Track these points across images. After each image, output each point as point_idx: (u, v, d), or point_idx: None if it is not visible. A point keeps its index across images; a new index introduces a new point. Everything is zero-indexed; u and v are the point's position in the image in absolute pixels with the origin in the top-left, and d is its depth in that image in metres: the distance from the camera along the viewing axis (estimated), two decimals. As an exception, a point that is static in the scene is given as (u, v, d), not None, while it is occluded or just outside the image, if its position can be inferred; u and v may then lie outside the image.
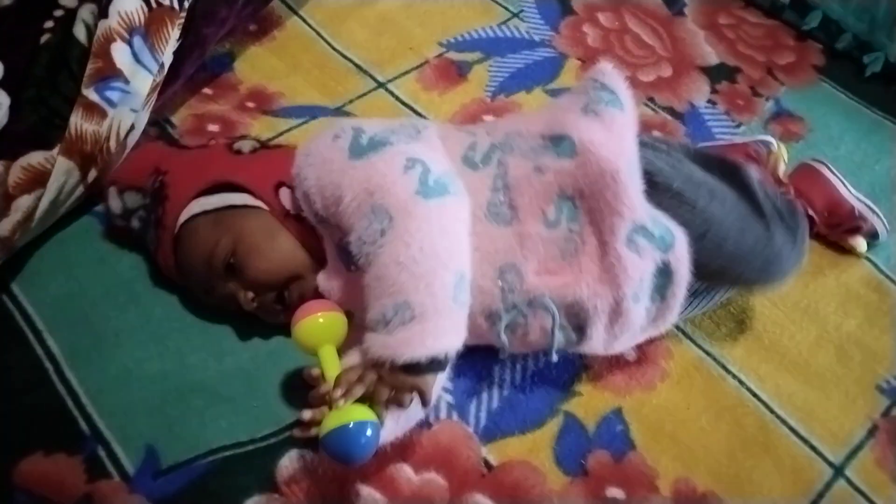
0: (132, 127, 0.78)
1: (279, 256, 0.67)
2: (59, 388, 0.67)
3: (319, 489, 0.63)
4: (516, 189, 0.64)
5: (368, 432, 0.55)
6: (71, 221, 0.78)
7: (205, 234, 0.67)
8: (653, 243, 0.62)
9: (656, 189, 0.64)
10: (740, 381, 0.73)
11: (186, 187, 0.69)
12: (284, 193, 0.68)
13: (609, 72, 0.68)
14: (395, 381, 0.57)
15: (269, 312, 0.69)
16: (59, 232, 0.77)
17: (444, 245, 0.58)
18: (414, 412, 0.62)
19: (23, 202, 0.70)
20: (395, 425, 0.61)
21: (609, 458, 0.66)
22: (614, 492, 0.65)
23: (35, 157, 0.71)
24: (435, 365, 0.57)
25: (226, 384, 0.68)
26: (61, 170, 0.72)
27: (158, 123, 0.88)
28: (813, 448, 0.70)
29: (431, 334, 0.56)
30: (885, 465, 0.70)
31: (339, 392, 0.55)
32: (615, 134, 0.64)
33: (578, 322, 0.63)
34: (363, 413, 0.55)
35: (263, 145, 0.75)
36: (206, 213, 0.68)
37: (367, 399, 0.57)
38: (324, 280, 0.66)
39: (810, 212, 0.81)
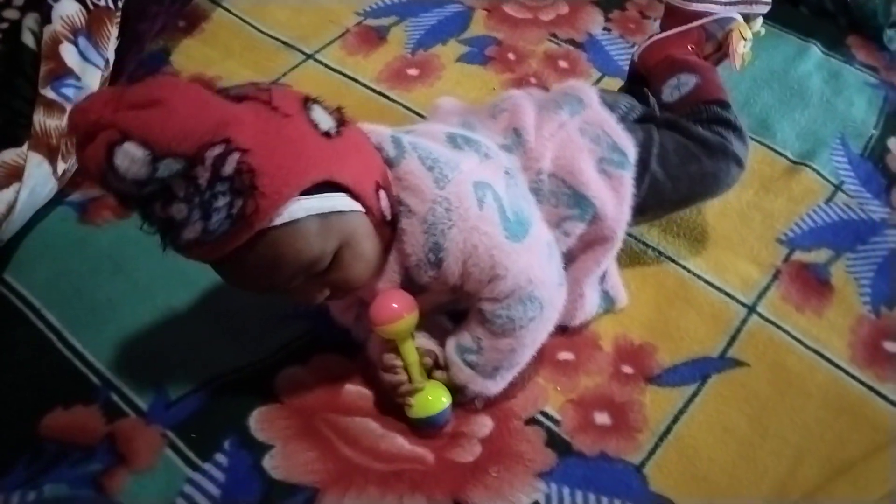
0: (89, 120, 0.86)
1: (372, 264, 0.64)
2: (66, 353, 0.74)
3: (314, 395, 0.72)
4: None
5: (447, 415, 0.69)
6: (48, 213, 0.85)
7: (312, 240, 0.58)
8: None
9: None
10: (659, 252, 0.84)
11: (284, 182, 0.56)
12: (383, 198, 0.62)
13: (619, 133, 0.75)
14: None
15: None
16: (39, 223, 0.84)
17: None
18: None
19: (3, 196, 0.77)
20: None
21: (557, 330, 0.77)
22: (565, 355, 0.76)
23: (8, 155, 0.78)
24: None
25: (216, 325, 0.77)
26: (33, 163, 0.79)
27: (110, 120, 0.96)
28: (727, 294, 0.81)
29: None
30: (790, 299, 0.82)
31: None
32: (621, 198, 0.73)
33: None
34: (442, 399, 0.68)
35: (340, 116, 0.62)
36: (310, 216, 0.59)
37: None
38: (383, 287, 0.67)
39: (676, 56, 0.84)
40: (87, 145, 0.52)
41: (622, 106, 0.82)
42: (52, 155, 0.81)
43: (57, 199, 0.86)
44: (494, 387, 0.69)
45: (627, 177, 0.74)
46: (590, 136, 0.74)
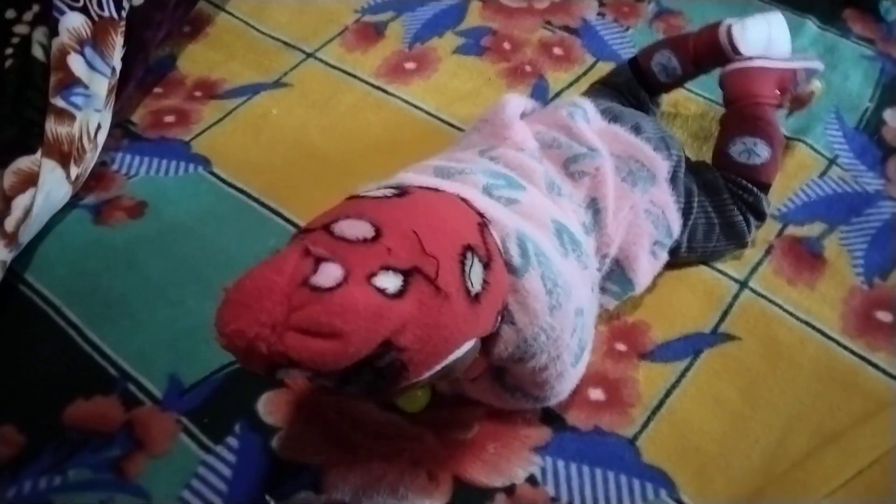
0: (99, 126, 0.90)
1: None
2: (85, 347, 0.78)
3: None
4: None
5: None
6: (64, 216, 0.89)
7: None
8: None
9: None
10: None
11: (428, 365, 0.53)
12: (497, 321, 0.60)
13: (675, 218, 0.76)
14: None
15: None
16: (56, 226, 0.88)
17: None
18: None
19: (20, 201, 0.81)
20: None
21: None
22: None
23: (23, 162, 0.82)
24: None
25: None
26: (47, 168, 0.83)
27: (121, 125, 1.00)
28: (720, 271, 0.83)
29: None
30: (782, 273, 0.83)
31: None
32: (655, 273, 0.77)
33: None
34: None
35: (488, 256, 0.57)
36: None
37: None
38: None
39: (764, 102, 0.83)
40: (248, 359, 0.49)
41: (675, 156, 0.79)
42: (64, 161, 0.85)
43: (72, 203, 0.90)
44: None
45: (666, 255, 0.77)
46: (652, 218, 0.74)
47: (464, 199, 0.61)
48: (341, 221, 0.52)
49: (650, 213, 0.74)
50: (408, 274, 0.50)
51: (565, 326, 0.61)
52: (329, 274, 0.48)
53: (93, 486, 0.69)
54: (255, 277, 0.49)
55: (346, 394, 0.55)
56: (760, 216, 0.82)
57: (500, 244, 0.59)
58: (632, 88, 0.91)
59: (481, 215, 0.60)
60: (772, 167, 0.82)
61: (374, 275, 0.49)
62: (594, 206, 0.72)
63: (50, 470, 0.69)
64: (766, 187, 0.82)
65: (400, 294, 0.49)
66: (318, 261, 0.49)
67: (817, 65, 0.87)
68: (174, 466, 0.70)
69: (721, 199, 0.80)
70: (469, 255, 0.54)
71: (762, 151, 0.80)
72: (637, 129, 0.78)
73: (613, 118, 0.79)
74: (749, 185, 0.80)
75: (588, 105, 0.79)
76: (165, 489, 0.68)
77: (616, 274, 0.74)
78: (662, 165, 0.75)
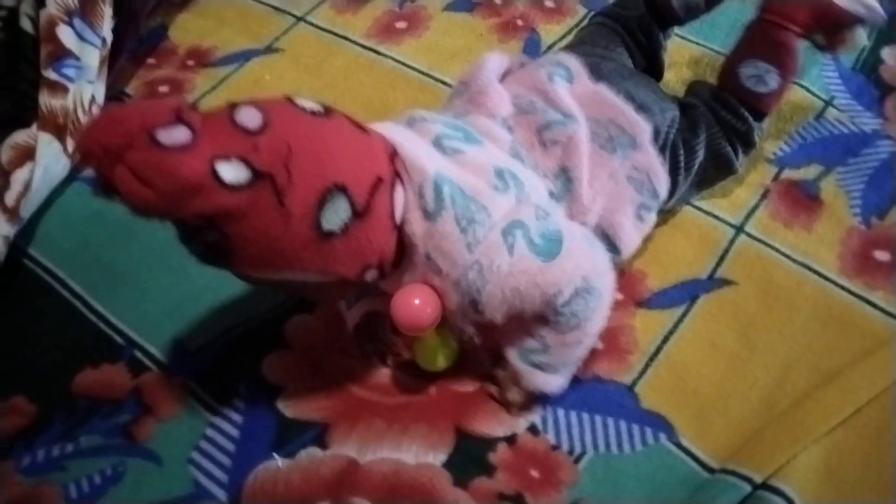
0: (93, 98, 0.90)
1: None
2: (91, 317, 0.80)
3: (321, 339, 0.76)
4: None
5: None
6: (64, 189, 0.90)
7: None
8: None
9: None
10: (648, 181, 0.86)
11: (252, 265, 0.59)
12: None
13: (661, 179, 0.73)
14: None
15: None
16: (57, 199, 0.89)
17: None
18: None
19: (19, 175, 0.82)
20: None
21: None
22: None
23: (19, 136, 0.83)
24: None
25: (227, 282, 0.80)
26: (43, 141, 0.84)
27: (116, 97, 1.00)
28: (716, 217, 0.83)
29: None
30: (778, 217, 0.83)
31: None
32: (641, 235, 0.74)
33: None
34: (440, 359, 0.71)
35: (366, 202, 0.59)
36: None
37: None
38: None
39: (794, 30, 0.76)
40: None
41: (668, 115, 0.76)
42: (60, 133, 0.85)
43: (71, 176, 0.90)
44: (564, 381, 0.69)
45: (654, 216, 0.74)
46: (635, 184, 0.72)
47: (393, 147, 0.63)
48: (248, 107, 0.55)
49: (632, 179, 0.72)
50: (259, 175, 0.53)
51: (493, 252, 0.61)
52: (174, 135, 0.51)
53: (104, 452, 0.71)
54: (124, 109, 0.54)
55: (193, 255, 0.59)
56: (750, 145, 0.79)
57: (415, 192, 0.61)
58: (643, 25, 0.84)
59: (397, 173, 0.61)
60: (776, 99, 0.79)
61: (224, 158, 0.52)
62: (566, 175, 0.71)
63: (62, 437, 0.71)
64: (762, 117, 0.79)
65: (236, 187, 0.53)
66: (179, 121, 0.52)
67: (876, 14, 0.76)
68: (183, 429, 0.71)
69: (710, 133, 0.78)
70: (336, 193, 0.56)
71: (772, 81, 0.77)
72: (624, 93, 0.74)
73: (600, 76, 0.76)
74: (745, 114, 0.78)
75: (573, 63, 0.76)
76: (176, 451, 0.70)
77: (600, 241, 0.72)
78: (645, 128, 0.73)
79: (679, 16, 0.85)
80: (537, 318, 0.65)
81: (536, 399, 0.71)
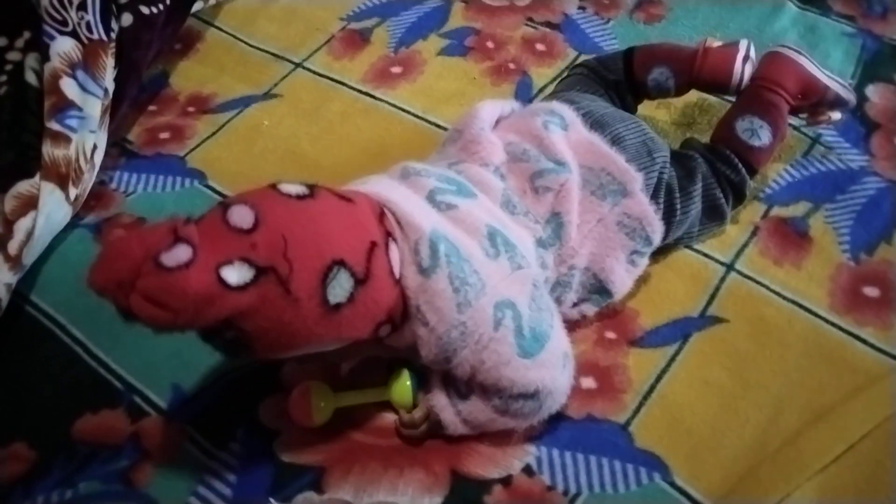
0: (95, 146, 0.93)
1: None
2: (91, 363, 0.81)
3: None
4: None
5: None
6: (66, 236, 0.92)
7: None
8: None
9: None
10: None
11: (272, 351, 0.63)
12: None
13: (655, 227, 0.75)
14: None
15: None
16: (59, 246, 0.91)
17: None
18: None
19: (22, 224, 0.84)
20: None
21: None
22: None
23: (22, 186, 0.85)
24: None
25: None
26: (46, 191, 0.86)
27: (118, 144, 1.02)
28: (706, 255, 0.84)
29: None
30: (768, 254, 0.84)
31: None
32: (633, 278, 0.76)
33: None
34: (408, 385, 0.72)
35: (366, 270, 0.62)
36: None
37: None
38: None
39: (784, 96, 0.84)
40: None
41: (659, 160, 0.78)
42: (62, 182, 0.87)
43: (73, 223, 0.92)
44: (463, 430, 0.70)
45: (646, 261, 0.77)
46: (626, 230, 0.74)
47: (386, 205, 0.66)
48: (239, 206, 0.59)
49: (624, 226, 0.74)
50: (262, 271, 0.57)
51: (480, 321, 0.64)
52: (176, 255, 0.55)
53: (103, 498, 0.71)
54: (124, 240, 0.57)
55: (216, 350, 0.62)
56: (741, 198, 0.83)
57: (411, 249, 0.64)
58: (619, 90, 0.90)
59: (388, 233, 0.64)
60: (766, 154, 0.84)
61: (227, 263, 0.56)
62: (557, 220, 0.73)
63: (61, 484, 0.72)
64: (753, 171, 0.83)
65: (243, 287, 0.56)
66: (177, 240, 0.55)
67: (851, 98, 0.87)
68: (181, 474, 0.72)
69: (706, 183, 0.81)
70: (336, 268, 0.59)
71: (764, 136, 0.82)
72: (616, 140, 0.77)
73: (594, 123, 0.78)
74: (738, 165, 0.81)
75: (567, 112, 0.79)
76: (173, 496, 0.71)
77: (593, 285, 0.75)
78: (635, 178, 0.75)
79: (650, 94, 0.91)
80: (483, 386, 0.67)
81: (520, 437, 0.71)
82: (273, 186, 0.63)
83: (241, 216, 0.58)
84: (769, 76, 0.85)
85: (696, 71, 0.87)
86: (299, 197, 0.62)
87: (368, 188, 0.69)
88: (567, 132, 0.77)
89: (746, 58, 0.86)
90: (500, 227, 0.69)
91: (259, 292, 0.57)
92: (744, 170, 0.82)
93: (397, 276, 0.64)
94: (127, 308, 0.55)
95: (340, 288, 0.59)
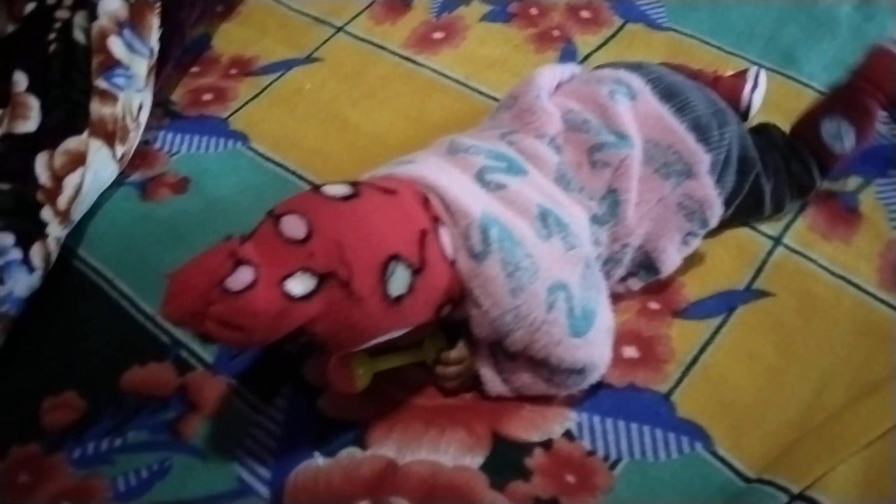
0: (141, 105, 0.93)
1: None
2: (138, 317, 0.82)
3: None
4: None
5: None
6: (112, 194, 0.93)
7: None
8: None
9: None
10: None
11: (345, 347, 0.66)
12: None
13: (715, 211, 0.73)
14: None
15: None
16: (105, 203, 0.92)
17: None
18: None
19: (71, 180, 0.85)
20: None
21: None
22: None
23: (71, 143, 0.86)
24: None
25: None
26: (94, 148, 0.87)
27: (161, 104, 1.03)
28: (754, 229, 0.83)
29: None
30: (816, 228, 0.83)
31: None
32: (683, 256, 0.75)
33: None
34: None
35: (421, 261, 0.63)
36: None
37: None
38: None
39: (881, 99, 0.80)
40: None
41: (727, 134, 0.75)
42: (110, 140, 0.88)
43: (119, 181, 0.93)
44: (502, 390, 0.71)
45: (699, 241, 0.76)
46: (685, 211, 0.73)
47: (424, 193, 0.66)
48: (289, 216, 0.60)
49: (683, 207, 0.73)
50: (323, 278, 0.58)
51: (533, 305, 0.64)
52: (240, 279, 0.56)
53: (151, 447, 0.73)
54: (186, 271, 0.59)
55: (290, 351, 0.68)
56: (803, 196, 0.82)
57: (462, 234, 0.64)
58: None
59: (435, 217, 0.65)
60: (843, 160, 0.82)
61: (289, 276, 0.57)
62: (613, 197, 0.71)
63: (111, 432, 0.74)
64: (825, 176, 0.81)
65: (309, 296, 0.58)
66: (238, 263, 0.57)
67: None
68: (227, 427, 0.73)
69: (776, 181, 0.79)
70: (393, 263, 0.61)
71: (847, 141, 0.79)
72: (684, 108, 0.74)
73: (664, 92, 0.75)
74: (814, 171, 0.80)
75: (635, 81, 0.76)
76: (220, 448, 0.72)
77: (642, 262, 0.74)
78: (703, 160, 0.72)
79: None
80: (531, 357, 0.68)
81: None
82: (317, 189, 0.64)
83: (294, 227, 0.59)
84: (869, 76, 0.80)
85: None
86: (345, 198, 0.62)
87: (414, 170, 0.68)
88: (635, 101, 0.74)
89: (755, 87, 0.86)
90: (552, 205, 0.68)
91: (324, 298, 0.58)
92: (818, 176, 0.80)
93: (451, 258, 0.65)
94: (205, 334, 0.58)
95: (399, 280, 0.61)
